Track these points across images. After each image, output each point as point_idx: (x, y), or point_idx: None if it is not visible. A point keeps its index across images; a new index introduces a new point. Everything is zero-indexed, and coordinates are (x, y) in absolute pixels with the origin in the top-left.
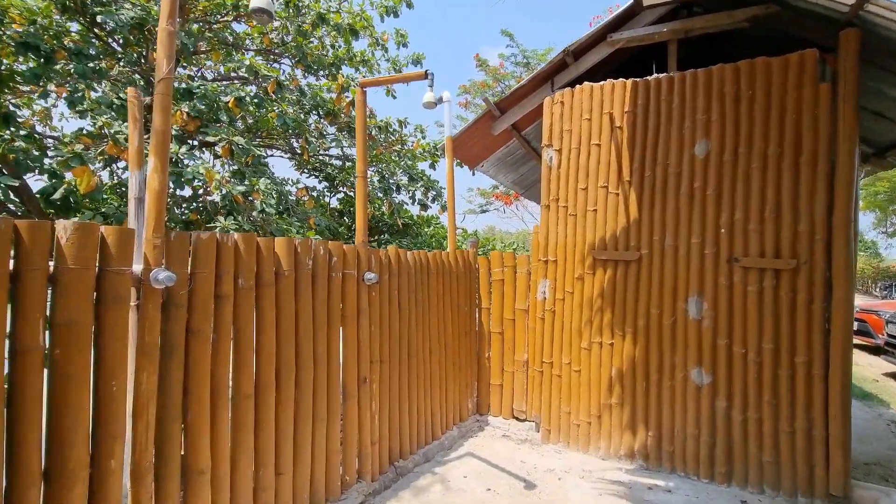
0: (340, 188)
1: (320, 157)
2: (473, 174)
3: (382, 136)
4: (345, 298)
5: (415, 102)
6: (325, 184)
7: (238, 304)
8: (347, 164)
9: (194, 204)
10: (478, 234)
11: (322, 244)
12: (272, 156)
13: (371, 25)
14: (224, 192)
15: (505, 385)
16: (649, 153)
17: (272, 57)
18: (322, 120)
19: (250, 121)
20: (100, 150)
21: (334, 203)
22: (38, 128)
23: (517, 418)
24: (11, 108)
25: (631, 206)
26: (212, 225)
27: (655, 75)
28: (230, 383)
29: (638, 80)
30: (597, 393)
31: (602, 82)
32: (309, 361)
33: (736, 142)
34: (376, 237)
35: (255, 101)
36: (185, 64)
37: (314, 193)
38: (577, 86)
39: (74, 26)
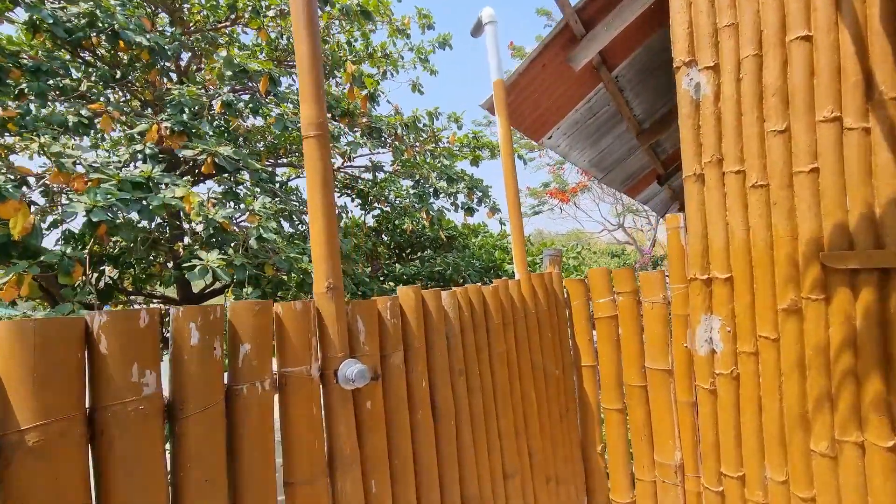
0: (375, 204)
1: (347, 171)
2: (526, 164)
3: (412, 134)
4: (289, 445)
5: (445, 97)
6: (357, 200)
7: None
8: (378, 175)
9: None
10: (530, 239)
11: (197, 313)
12: (300, 176)
13: (388, 9)
14: (212, 217)
15: None
16: None
17: (283, 65)
18: (337, 122)
19: (272, 140)
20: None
21: (370, 221)
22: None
23: None
24: None
25: None
26: (188, 265)
27: None
28: None
29: None
30: None
31: None
32: None
33: None
34: (418, 254)
35: (251, 105)
36: (187, 81)
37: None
38: None
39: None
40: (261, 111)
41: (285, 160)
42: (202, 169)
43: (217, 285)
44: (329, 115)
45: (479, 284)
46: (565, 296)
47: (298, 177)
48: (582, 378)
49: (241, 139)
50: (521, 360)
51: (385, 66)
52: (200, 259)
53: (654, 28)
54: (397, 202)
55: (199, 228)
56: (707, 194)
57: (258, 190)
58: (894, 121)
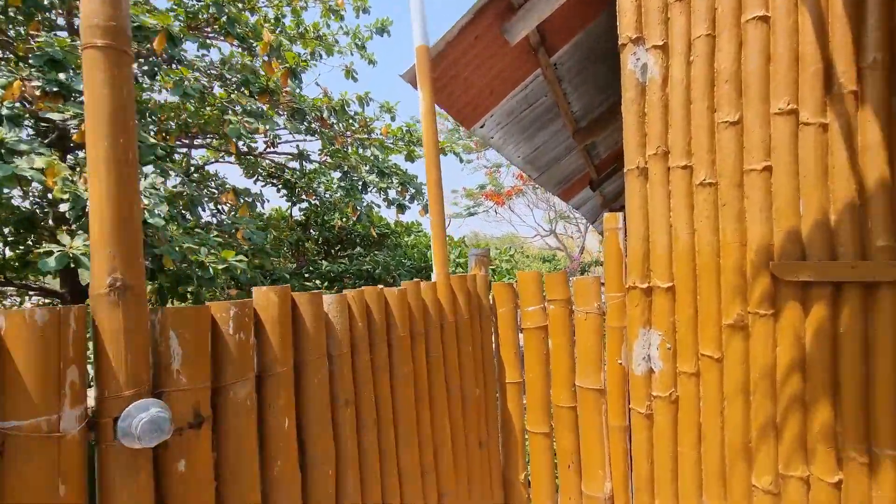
0: (303, 196)
1: (271, 158)
2: (462, 163)
3: (342, 122)
4: None
5: (385, 87)
6: (283, 191)
7: None
8: (307, 165)
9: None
10: (465, 241)
11: None
12: (221, 160)
13: None
14: (81, 194)
15: None
16: None
17: (195, 31)
18: (255, 100)
19: (187, 118)
20: None
21: (298, 215)
22: None
23: None
24: None
25: (870, 151)
26: (44, 249)
27: None
28: None
29: None
30: None
31: None
32: None
33: None
34: (347, 251)
35: (146, 67)
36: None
37: (248, 199)
38: None
39: None
40: (158, 76)
41: (201, 140)
42: (74, 137)
43: None
44: (246, 92)
45: (381, 287)
46: (491, 302)
47: (218, 161)
48: (506, 396)
49: (148, 113)
50: (434, 381)
51: (315, 47)
52: (62, 244)
53: (598, 8)
54: (327, 196)
55: (65, 207)
56: (650, 191)
57: (152, 169)
58: (852, 118)
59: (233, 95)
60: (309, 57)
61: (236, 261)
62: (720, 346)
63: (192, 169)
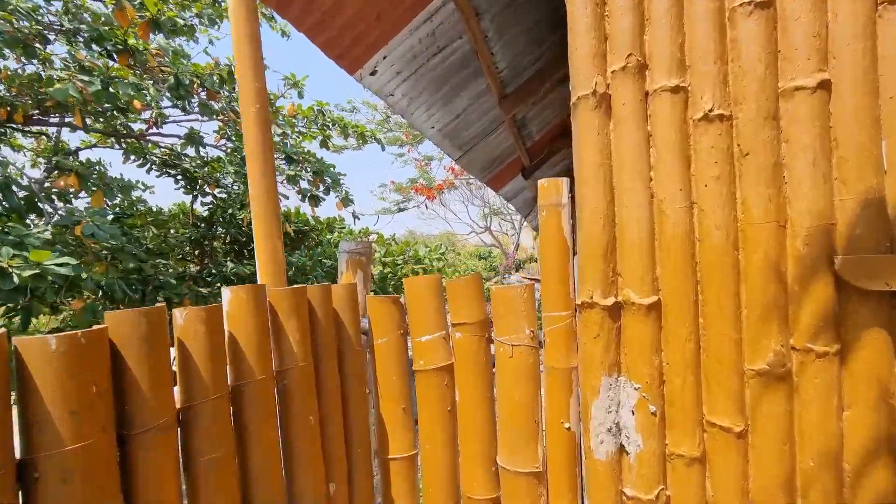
0: (206, 188)
1: (158, 142)
2: (384, 149)
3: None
4: None
5: (302, 65)
6: (181, 183)
7: None
8: (205, 152)
9: None
10: (395, 239)
11: None
12: (98, 145)
13: None
14: None
15: None
16: None
17: None
18: (114, 62)
19: (43, 91)
20: None
21: (203, 210)
22: None
23: None
24: None
25: None
26: None
27: None
28: None
29: None
30: None
31: None
32: None
33: None
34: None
35: None
36: None
37: (98, 185)
38: None
39: None
40: None
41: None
42: None
43: None
44: (97, 50)
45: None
46: (366, 323)
47: (96, 146)
48: (390, 481)
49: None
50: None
51: (203, 9)
52: None
53: None
54: (235, 187)
55: None
56: (616, 134)
57: None
58: None
59: (79, 53)
60: (197, 21)
61: (55, 264)
62: (743, 410)
63: (59, 153)
